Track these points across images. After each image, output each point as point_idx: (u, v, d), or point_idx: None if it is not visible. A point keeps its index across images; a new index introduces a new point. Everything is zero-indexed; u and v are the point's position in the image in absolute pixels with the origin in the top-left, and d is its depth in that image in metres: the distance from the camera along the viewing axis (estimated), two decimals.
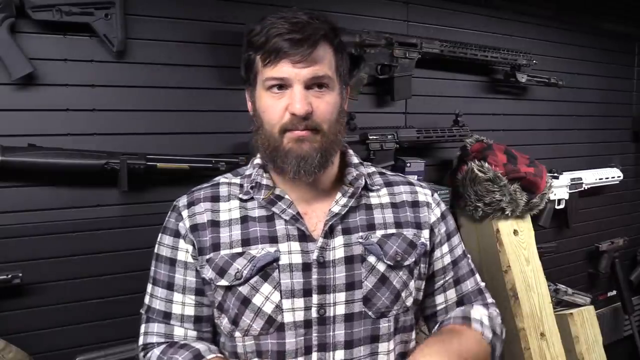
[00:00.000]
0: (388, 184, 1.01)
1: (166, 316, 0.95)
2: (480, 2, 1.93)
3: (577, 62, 2.28)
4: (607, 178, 2.32)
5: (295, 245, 0.90)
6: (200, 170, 1.34)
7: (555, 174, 2.05)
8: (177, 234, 0.95)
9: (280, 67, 0.86)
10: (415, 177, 1.63)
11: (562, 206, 2.13)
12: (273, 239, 0.91)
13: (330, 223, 0.92)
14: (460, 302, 1.01)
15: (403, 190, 1.01)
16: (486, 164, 1.69)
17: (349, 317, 0.88)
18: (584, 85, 2.32)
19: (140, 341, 0.96)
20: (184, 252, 0.94)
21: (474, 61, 1.82)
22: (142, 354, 0.96)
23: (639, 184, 2.63)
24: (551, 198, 2.00)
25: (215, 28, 1.41)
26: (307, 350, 0.87)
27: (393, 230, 0.95)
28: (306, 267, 0.89)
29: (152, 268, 0.98)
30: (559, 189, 2.09)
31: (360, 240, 0.92)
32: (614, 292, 2.52)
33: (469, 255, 1.05)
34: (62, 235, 1.27)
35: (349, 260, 0.90)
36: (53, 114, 1.24)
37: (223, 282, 0.90)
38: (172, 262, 0.95)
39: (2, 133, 1.18)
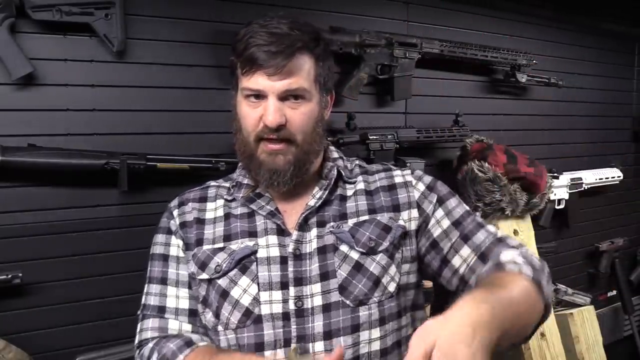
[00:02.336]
0: (364, 173, 1.02)
1: (160, 310, 0.96)
2: (480, 2, 1.93)
3: (577, 62, 2.28)
4: (607, 178, 2.32)
5: (273, 239, 0.92)
6: (200, 170, 1.34)
7: (555, 174, 2.05)
8: (169, 231, 0.99)
9: (256, 78, 0.89)
10: None
11: (562, 206, 2.12)
12: (252, 234, 0.94)
13: (304, 215, 0.94)
14: (482, 258, 0.90)
15: (378, 178, 1.01)
16: (486, 164, 1.69)
17: (326, 308, 0.88)
18: (584, 85, 2.32)
19: (136, 340, 0.97)
20: (176, 247, 0.98)
21: (474, 61, 1.82)
22: (137, 352, 0.96)
23: (639, 184, 2.62)
24: (551, 198, 2.00)
25: (215, 28, 1.41)
26: (286, 343, 0.88)
27: (366, 217, 0.95)
28: (283, 260, 0.90)
29: (148, 268, 1.00)
30: (559, 189, 2.09)
31: (332, 229, 0.93)
32: (614, 292, 2.52)
33: (475, 213, 0.99)
34: (62, 235, 1.27)
35: (322, 250, 0.91)
36: (53, 114, 1.24)
37: (204, 276, 0.92)
38: (165, 257, 0.98)
39: (2, 133, 1.18)
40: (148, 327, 0.95)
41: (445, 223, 0.95)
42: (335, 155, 1.04)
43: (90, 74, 1.27)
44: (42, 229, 1.24)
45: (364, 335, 0.89)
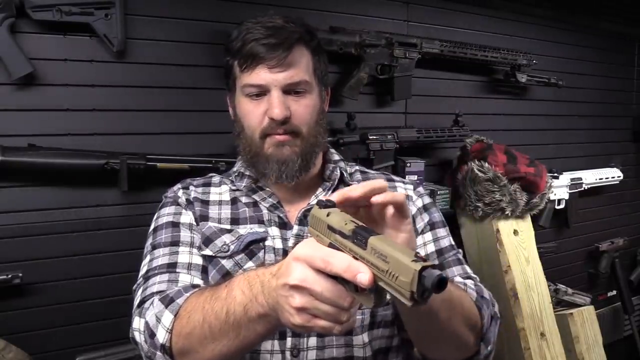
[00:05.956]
0: (366, 180, 1.02)
1: (171, 266, 0.86)
2: (480, 2, 1.92)
3: (577, 62, 2.28)
4: (607, 178, 2.32)
5: (277, 231, 0.93)
6: (200, 170, 1.33)
7: (555, 174, 2.04)
8: (178, 205, 0.96)
9: (257, 73, 0.89)
10: (416, 177, 1.64)
11: (562, 206, 2.12)
12: (261, 221, 0.94)
13: (303, 210, 0.94)
14: None
15: None
16: (486, 164, 1.68)
17: None
18: (584, 85, 2.32)
19: (137, 301, 0.84)
20: (188, 216, 0.95)
21: (474, 61, 1.81)
22: (136, 312, 0.81)
23: (639, 184, 2.62)
24: (551, 198, 2.00)
25: (215, 28, 1.41)
26: (282, 336, 0.87)
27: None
28: (285, 253, 0.90)
29: (149, 241, 0.93)
30: (559, 189, 2.09)
31: None
32: (614, 292, 2.52)
33: (459, 250, 1.00)
34: (62, 235, 1.27)
35: None
36: (53, 114, 1.24)
37: (207, 252, 0.91)
38: (175, 224, 0.93)
39: (2, 133, 1.18)
40: (155, 282, 0.84)
41: (430, 248, 0.96)
42: (337, 157, 1.04)
43: (90, 74, 1.27)
44: (42, 229, 1.24)
45: (357, 339, 0.88)
